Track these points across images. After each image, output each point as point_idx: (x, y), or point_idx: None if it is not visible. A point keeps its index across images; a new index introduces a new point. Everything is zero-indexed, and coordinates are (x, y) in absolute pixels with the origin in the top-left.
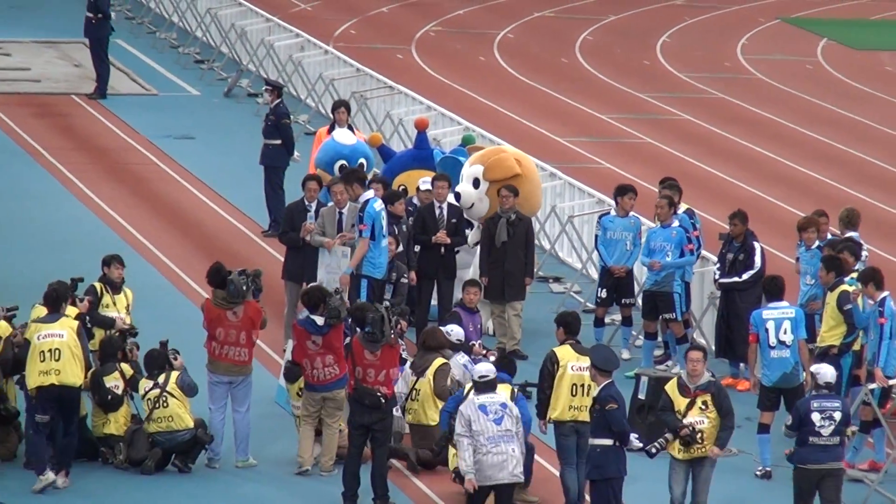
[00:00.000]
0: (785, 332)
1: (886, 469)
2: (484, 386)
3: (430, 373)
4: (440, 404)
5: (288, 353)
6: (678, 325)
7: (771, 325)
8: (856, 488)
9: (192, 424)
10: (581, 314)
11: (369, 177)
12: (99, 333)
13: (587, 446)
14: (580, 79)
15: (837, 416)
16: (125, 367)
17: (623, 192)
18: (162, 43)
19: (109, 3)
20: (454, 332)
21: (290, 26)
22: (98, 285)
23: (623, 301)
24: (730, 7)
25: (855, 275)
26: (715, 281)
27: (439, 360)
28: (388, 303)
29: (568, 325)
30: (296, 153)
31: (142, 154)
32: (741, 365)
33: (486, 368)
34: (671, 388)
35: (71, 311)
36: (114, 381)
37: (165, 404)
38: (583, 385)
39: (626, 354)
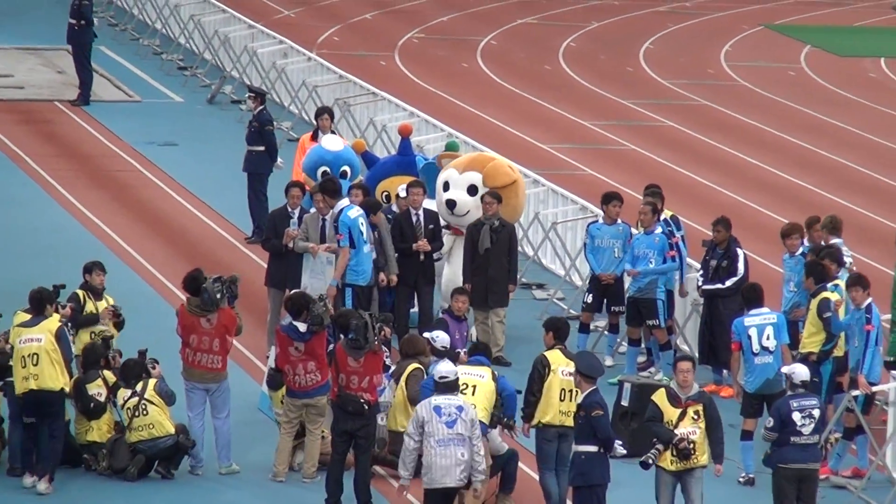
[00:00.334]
0: (768, 339)
1: (869, 476)
2: (444, 387)
3: (402, 378)
4: (412, 411)
5: (271, 360)
6: (662, 332)
7: (753, 332)
8: (839, 495)
9: (173, 430)
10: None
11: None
12: (83, 338)
13: (569, 452)
14: (563, 85)
15: (816, 413)
16: (108, 374)
17: (608, 200)
18: (145, 49)
19: (92, 9)
20: (439, 338)
21: (273, 33)
22: (80, 293)
23: (612, 308)
24: (713, 14)
25: (839, 282)
26: (698, 288)
27: (412, 366)
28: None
29: (557, 331)
30: (279, 160)
31: (125, 161)
32: (724, 372)
33: (447, 369)
34: (660, 398)
35: (54, 317)
36: (97, 389)
37: (145, 412)
38: (570, 391)
39: (609, 361)
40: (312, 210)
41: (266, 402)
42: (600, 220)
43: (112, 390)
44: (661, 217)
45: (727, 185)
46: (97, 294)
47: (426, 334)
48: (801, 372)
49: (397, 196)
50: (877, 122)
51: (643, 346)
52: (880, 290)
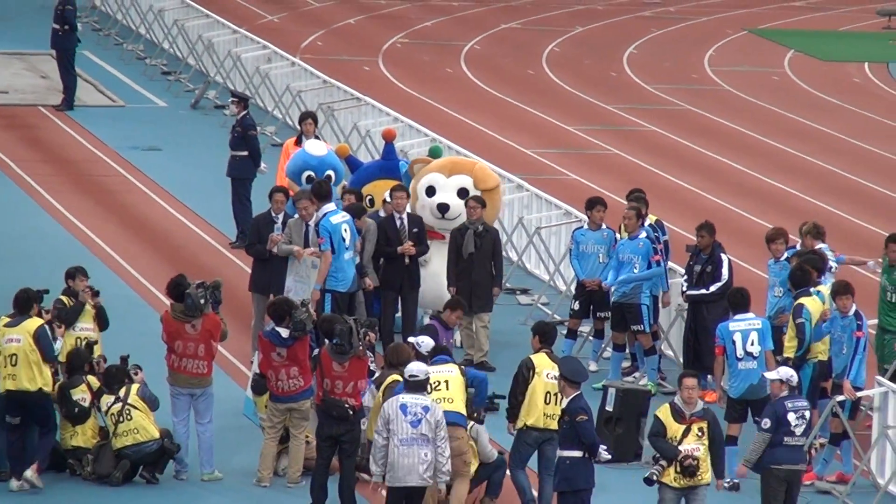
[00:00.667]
0: (752, 344)
1: (854, 481)
2: (413, 385)
3: (381, 389)
4: None
5: (255, 365)
6: (646, 337)
7: (738, 337)
8: (824, 500)
9: (157, 435)
10: None
11: (339, 188)
12: (68, 343)
13: (555, 456)
14: (547, 90)
15: (807, 415)
16: (92, 379)
17: (592, 205)
18: (129, 54)
19: (76, 14)
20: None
21: (256, 38)
22: (64, 298)
23: (598, 314)
24: (697, 18)
25: (822, 287)
26: (682, 293)
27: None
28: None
29: (544, 335)
30: (263, 165)
31: (109, 165)
32: (709, 377)
33: (416, 368)
34: (664, 413)
35: (35, 318)
36: (81, 394)
37: (129, 417)
38: (555, 394)
39: (593, 366)
40: (296, 215)
41: (251, 408)
42: (585, 226)
43: (96, 395)
44: (646, 222)
45: (711, 190)
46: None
47: (411, 339)
48: (786, 372)
49: (384, 201)
50: (861, 126)
51: (628, 351)
52: (866, 296)
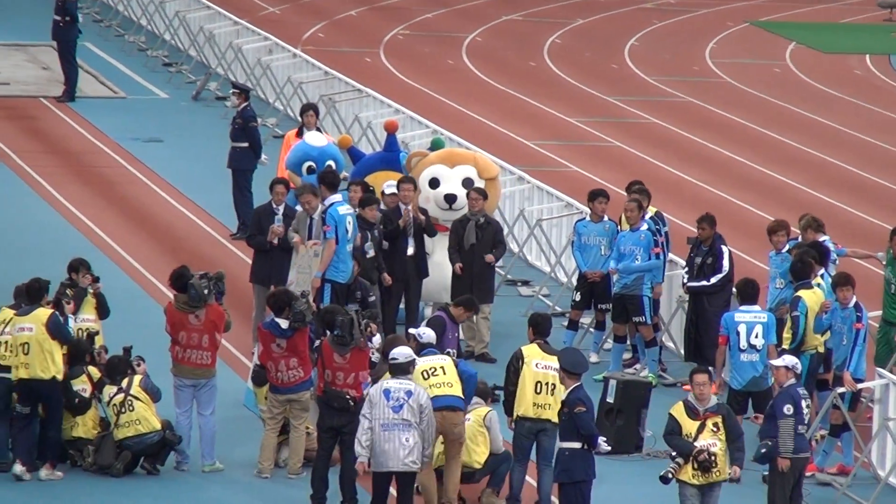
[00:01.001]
0: (756, 336)
1: (855, 473)
2: (395, 369)
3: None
4: None
5: (256, 356)
6: (647, 329)
7: (742, 329)
8: (825, 492)
9: (159, 426)
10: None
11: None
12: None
13: (551, 446)
14: (548, 82)
15: (808, 404)
16: (93, 370)
17: (594, 196)
18: (130, 46)
19: (77, 6)
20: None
21: (258, 30)
22: (68, 291)
23: (599, 306)
24: (698, 11)
25: (819, 280)
26: (683, 285)
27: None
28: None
29: (537, 326)
30: (263, 156)
31: (110, 157)
32: (710, 368)
33: (398, 352)
34: (678, 411)
35: (45, 308)
36: (81, 385)
37: (131, 408)
38: (547, 383)
39: (594, 358)
40: (298, 208)
41: (251, 399)
42: (587, 218)
43: (97, 386)
44: (647, 214)
45: (712, 182)
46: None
47: (412, 330)
48: (790, 359)
49: (383, 193)
50: (862, 119)
51: (629, 342)
52: (867, 289)
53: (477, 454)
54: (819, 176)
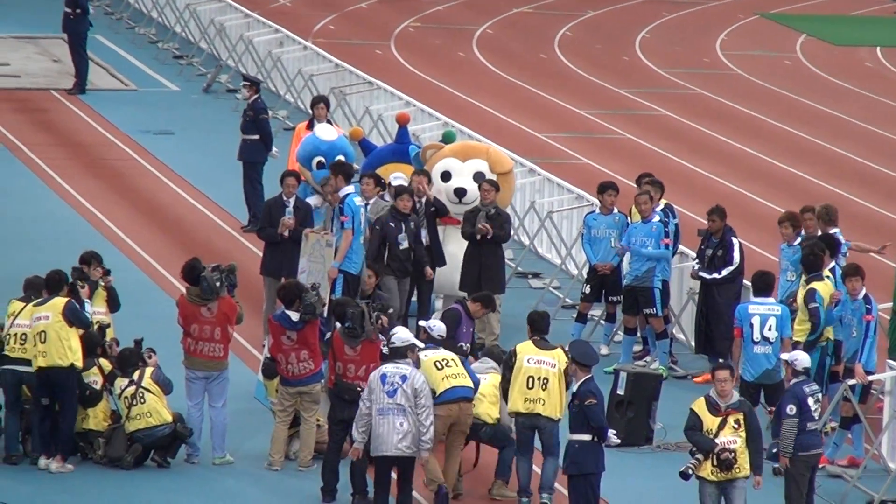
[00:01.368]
0: (769, 329)
1: (865, 465)
2: (391, 352)
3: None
4: None
5: (266, 349)
6: (658, 321)
7: (756, 321)
8: (835, 484)
9: (170, 419)
10: (560, 309)
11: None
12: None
13: (549, 439)
14: (559, 74)
15: (820, 398)
16: (104, 362)
17: (603, 189)
18: (141, 38)
19: None
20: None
21: (269, 22)
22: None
23: (610, 298)
24: (709, 3)
25: (828, 273)
26: (693, 269)
27: None
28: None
29: (532, 323)
30: (274, 149)
31: (121, 149)
32: (720, 361)
33: (397, 336)
34: (699, 406)
35: (62, 298)
36: (92, 377)
37: (143, 400)
38: (540, 378)
39: (604, 350)
40: (310, 199)
41: (262, 391)
42: (596, 210)
43: (108, 379)
44: (661, 206)
45: (722, 175)
46: (93, 284)
47: (422, 323)
48: (802, 359)
49: (389, 184)
50: (873, 111)
51: (639, 334)
52: (878, 281)
53: (491, 409)
54: (830, 168)
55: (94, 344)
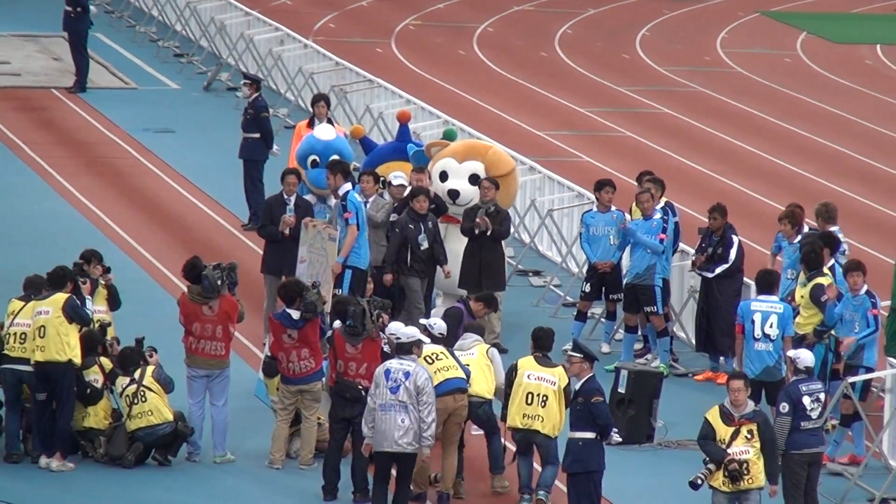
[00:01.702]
0: (770, 326)
1: (866, 463)
2: (396, 348)
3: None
4: None
5: (267, 347)
6: (659, 319)
7: (758, 318)
8: (836, 482)
9: (171, 417)
10: (561, 307)
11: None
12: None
13: (547, 452)
14: (559, 72)
15: (822, 397)
16: (105, 361)
17: (600, 186)
18: (141, 37)
19: None
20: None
21: (269, 20)
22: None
23: (611, 296)
24: (709, 1)
25: (826, 271)
26: (692, 265)
27: None
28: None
29: (536, 339)
30: (275, 147)
31: (121, 148)
32: (721, 359)
33: (402, 332)
34: (713, 416)
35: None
36: (93, 375)
37: (144, 399)
38: (539, 395)
39: (605, 348)
40: (309, 198)
41: (262, 390)
42: (594, 209)
43: (109, 377)
44: (661, 204)
45: (723, 172)
46: (93, 283)
47: (423, 321)
48: (805, 357)
49: (390, 184)
50: (873, 109)
51: (640, 332)
52: (878, 278)
53: (487, 384)
54: (830, 165)
55: (94, 342)
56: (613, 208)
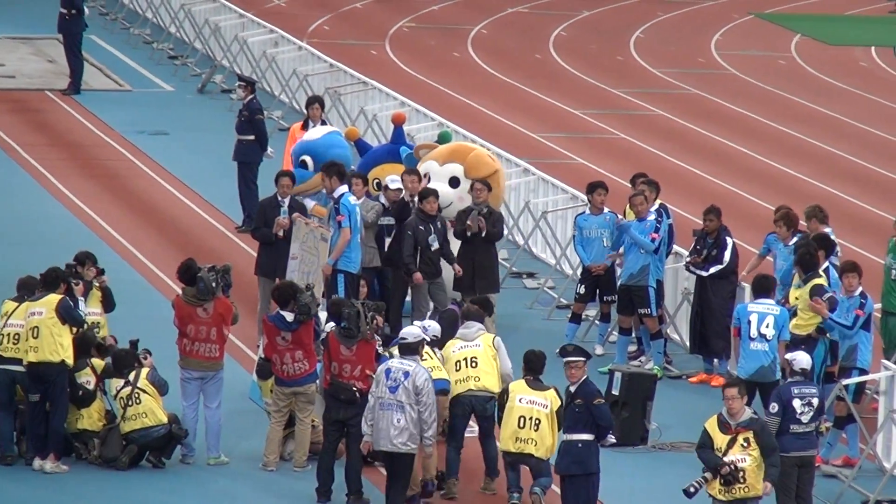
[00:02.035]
0: (766, 326)
1: (860, 465)
2: (402, 349)
3: None
4: None
5: (261, 349)
6: (653, 321)
7: (754, 318)
8: (830, 484)
9: (165, 420)
10: (555, 310)
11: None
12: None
13: (540, 471)
14: (554, 74)
15: (815, 402)
16: (97, 362)
17: (592, 189)
18: (136, 39)
19: None
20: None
21: (263, 22)
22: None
23: (605, 298)
24: (703, 3)
25: (821, 273)
26: (686, 265)
27: None
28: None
29: (528, 363)
30: (269, 149)
31: (116, 150)
32: (715, 361)
33: (407, 331)
34: (711, 425)
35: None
36: (85, 377)
37: (138, 401)
38: (531, 418)
39: (599, 350)
40: (305, 200)
41: (256, 392)
42: (587, 211)
43: (101, 378)
44: (655, 206)
45: (718, 175)
46: (87, 285)
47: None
48: (801, 359)
49: (386, 187)
50: (867, 111)
51: (634, 334)
52: (872, 279)
53: (495, 378)
54: (824, 168)
55: (87, 344)
56: (606, 210)
